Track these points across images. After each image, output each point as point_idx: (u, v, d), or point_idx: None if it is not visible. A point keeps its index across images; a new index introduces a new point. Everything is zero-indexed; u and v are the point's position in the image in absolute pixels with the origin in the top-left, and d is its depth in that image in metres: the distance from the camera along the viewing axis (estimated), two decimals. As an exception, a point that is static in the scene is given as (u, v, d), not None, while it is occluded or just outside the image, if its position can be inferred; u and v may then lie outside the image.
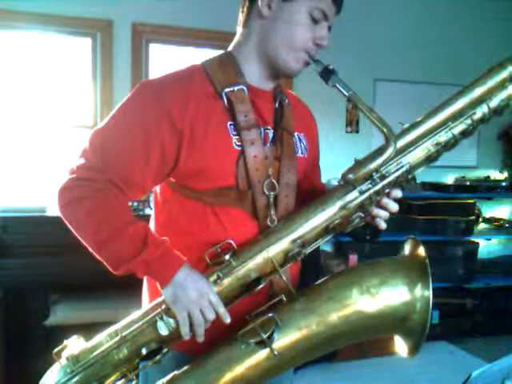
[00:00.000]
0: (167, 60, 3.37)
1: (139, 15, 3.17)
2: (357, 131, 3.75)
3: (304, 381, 2.91)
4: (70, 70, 3.18)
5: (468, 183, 3.84)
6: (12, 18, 2.96)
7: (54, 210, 2.80)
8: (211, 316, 0.99)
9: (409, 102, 3.78)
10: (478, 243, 3.75)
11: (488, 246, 4.09)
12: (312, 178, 1.27)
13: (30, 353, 2.60)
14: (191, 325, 0.99)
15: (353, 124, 3.73)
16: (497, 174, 4.15)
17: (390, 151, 1.00)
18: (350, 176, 1.02)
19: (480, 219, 4.06)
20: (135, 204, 2.98)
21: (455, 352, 3.49)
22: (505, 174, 4.14)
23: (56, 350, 1.05)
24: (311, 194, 1.17)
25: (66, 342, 1.06)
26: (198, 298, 0.98)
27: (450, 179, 4.03)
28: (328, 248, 3.56)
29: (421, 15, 3.82)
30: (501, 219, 4.13)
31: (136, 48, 3.23)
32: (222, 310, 0.99)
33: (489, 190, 3.86)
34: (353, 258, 3.31)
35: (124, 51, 3.18)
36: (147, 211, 2.92)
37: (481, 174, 4.10)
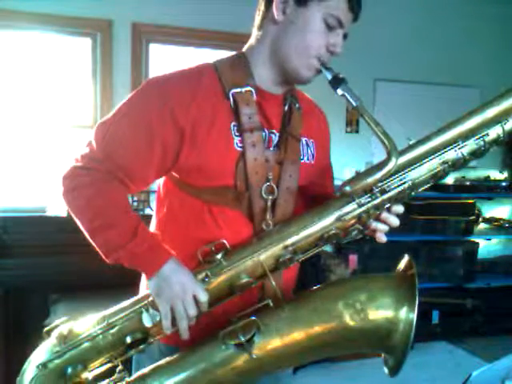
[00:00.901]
0: (167, 60, 3.37)
1: (139, 15, 3.17)
2: (357, 131, 3.74)
3: (304, 381, 2.91)
4: (70, 69, 3.18)
5: (468, 183, 3.83)
6: (12, 18, 2.96)
7: (53, 209, 2.80)
8: (193, 312, 1.00)
9: (409, 102, 3.79)
10: (477, 243, 3.75)
11: (488, 246, 4.09)
12: (321, 185, 1.25)
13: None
14: (174, 319, 1.00)
15: (353, 124, 3.72)
16: (497, 174, 4.15)
17: (389, 167, 0.98)
18: (347, 188, 1.00)
19: (480, 219, 4.05)
20: (135, 204, 2.99)
21: (455, 352, 3.49)
22: (505, 174, 4.13)
23: (47, 328, 1.07)
24: (320, 200, 1.15)
25: (57, 321, 1.08)
26: (181, 292, 0.99)
27: (449, 179, 4.02)
28: (328, 248, 3.56)
29: (421, 15, 3.83)
30: (501, 219, 4.13)
31: (136, 48, 3.23)
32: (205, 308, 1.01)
33: (489, 190, 3.85)
34: (353, 258, 3.31)
35: (124, 51, 3.18)
36: (147, 211, 2.93)
37: (481, 174, 4.09)
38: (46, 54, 3.12)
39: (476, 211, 3.90)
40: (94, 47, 3.17)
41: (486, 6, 3.94)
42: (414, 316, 0.98)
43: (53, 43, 3.14)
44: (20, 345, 2.73)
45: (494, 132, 1.03)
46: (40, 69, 3.11)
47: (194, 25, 3.27)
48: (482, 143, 1.03)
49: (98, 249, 1.03)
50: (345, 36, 1.09)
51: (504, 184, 3.90)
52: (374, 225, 1.06)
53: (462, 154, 1.03)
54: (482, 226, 4.08)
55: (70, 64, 3.18)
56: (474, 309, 3.67)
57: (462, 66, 3.94)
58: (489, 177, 4.07)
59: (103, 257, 1.03)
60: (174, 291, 0.99)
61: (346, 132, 3.74)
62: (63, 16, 3.02)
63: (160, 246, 1.04)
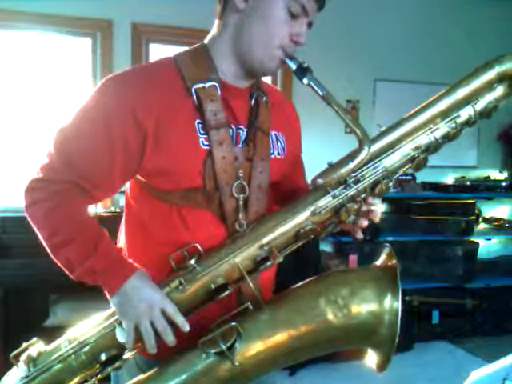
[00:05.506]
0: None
1: (139, 15, 3.17)
2: (357, 131, 3.74)
3: (304, 381, 2.91)
4: (70, 69, 3.18)
5: (468, 183, 3.83)
6: (12, 18, 2.96)
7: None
8: (162, 326, 0.94)
9: (409, 102, 3.77)
10: (477, 243, 3.74)
11: (488, 246, 4.08)
12: (293, 178, 1.22)
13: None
14: (142, 336, 0.95)
15: (353, 124, 3.72)
16: (497, 174, 4.15)
17: (362, 156, 0.95)
18: (319, 181, 0.97)
19: (480, 219, 4.05)
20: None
21: (455, 352, 3.48)
22: (505, 174, 4.13)
23: (14, 352, 1.02)
24: (293, 194, 1.10)
25: (25, 344, 1.03)
26: (147, 309, 0.94)
27: (449, 179, 4.02)
28: (328, 248, 3.56)
29: (421, 15, 3.82)
30: (501, 219, 4.13)
31: (136, 48, 3.23)
32: (179, 319, 0.95)
33: (489, 189, 3.85)
34: (353, 258, 3.31)
35: (124, 51, 3.18)
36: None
37: (481, 173, 4.09)
38: (46, 53, 3.12)
39: (476, 211, 3.90)
40: (94, 47, 3.17)
41: (487, 5, 3.94)
42: (398, 305, 0.95)
43: (53, 43, 3.14)
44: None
45: (466, 113, 1.02)
46: (40, 69, 3.11)
47: (194, 25, 3.27)
48: (453, 125, 1.02)
49: (61, 266, 0.99)
50: (310, 24, 1.04)
51: (504, 184, 3.90)
52: (351, 219, 1.03)
53: (435, 138, 1.02)
54: (482, 226, 4.08)
55: (70, 64, 3.17)
56: (473, 309, 3.67)
57: (462, 66, 3.93)
58: (489, 177, 4.07)
59: (68, 273, 0.99)
60: (139, 310, 0.94)
61: (346, 132, 3.74)
62: (63, 16, 3.02)
63: (121, 263, 0.98)
